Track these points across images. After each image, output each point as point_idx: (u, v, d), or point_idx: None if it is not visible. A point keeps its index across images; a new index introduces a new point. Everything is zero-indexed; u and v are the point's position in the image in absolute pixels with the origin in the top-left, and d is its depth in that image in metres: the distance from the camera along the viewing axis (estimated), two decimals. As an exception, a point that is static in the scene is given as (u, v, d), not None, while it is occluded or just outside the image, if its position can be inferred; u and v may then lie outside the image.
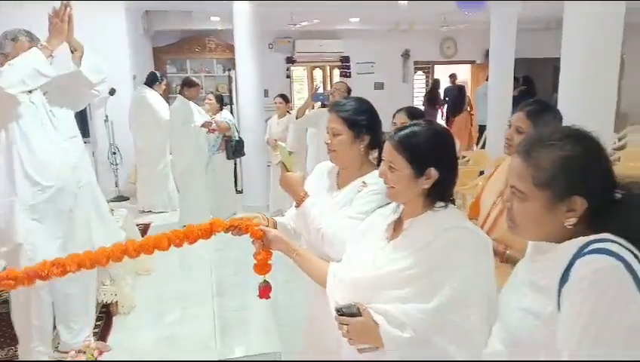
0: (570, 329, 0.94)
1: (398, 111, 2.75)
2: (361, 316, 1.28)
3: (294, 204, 1.74)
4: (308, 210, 1.67)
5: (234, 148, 5.49)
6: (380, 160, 1.73)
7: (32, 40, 2.50)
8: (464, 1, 4.97)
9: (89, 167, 2.86)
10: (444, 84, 10.93)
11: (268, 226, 1.67)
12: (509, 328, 1.10)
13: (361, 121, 1.71)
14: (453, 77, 10.72)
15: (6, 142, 2.47)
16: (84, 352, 2.36)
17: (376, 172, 1.67)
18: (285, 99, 5.67)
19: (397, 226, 1.42)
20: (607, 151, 1.06)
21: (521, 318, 1.05)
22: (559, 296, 0.98)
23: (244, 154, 5.72)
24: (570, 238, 1.03)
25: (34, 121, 2.52)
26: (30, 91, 2.49)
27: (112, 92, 6.18)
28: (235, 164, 6.44)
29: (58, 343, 2.83)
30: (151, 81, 5.94)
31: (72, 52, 2.58)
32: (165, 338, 3.16)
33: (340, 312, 1.31)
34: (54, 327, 2.79)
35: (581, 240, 1.01)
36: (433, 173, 1.32)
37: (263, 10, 6.21)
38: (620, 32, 3.10)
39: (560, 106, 3.29)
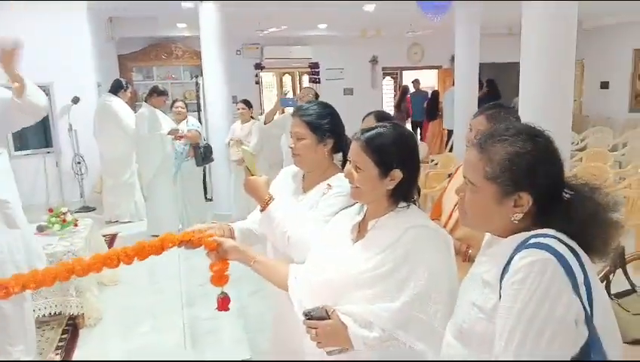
0: (504, 321, 0.97)
1: (367, 115, 2.77)
2: (329, 319, 1.29)
3: (259, 207, 1.73)
4: (273, 213, 1.66)
5: (203, 155, 5.43)
6: (344, 163, 1.76)
7: None
8: (426, 4, 5.06)
9: (12, 185, 2.65)
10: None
11: (224, 236, 1.66)
12: (457, 321, 1.12)
13: (324, 124, 1.72)
14: (416, 83, 10.92)
15: None
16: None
17: (340, 174, 1.70)
18: (248, 104, 5.65)
19: (361, 227, 1.43)
20: (561, 151, 1.08)
21: (468, 311, 1.08)
22: (501, 289, 1.00)
23: (212, 160, 5.67)
24: (516, 233, 1.06)
25: None
26: None
27: (75, 100, 6.07)
28: (205, 172, 6.37)
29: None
30: (116, 89, 5.82)
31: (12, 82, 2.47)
32: (134, 350, 3.09)
33: (309, 316, 1.31)
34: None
35: (523, 235, 1.04)
36: (397, 173, 1.34)
37: (230, 16, 6.19)
38: (574, 33, 3.20)
39: (520, 108, 3.39)
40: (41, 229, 3.47)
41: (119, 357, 3.01)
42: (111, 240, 5.04)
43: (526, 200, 1.04)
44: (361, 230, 1.43)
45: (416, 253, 1.27)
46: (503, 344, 0.96)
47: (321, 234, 1.53)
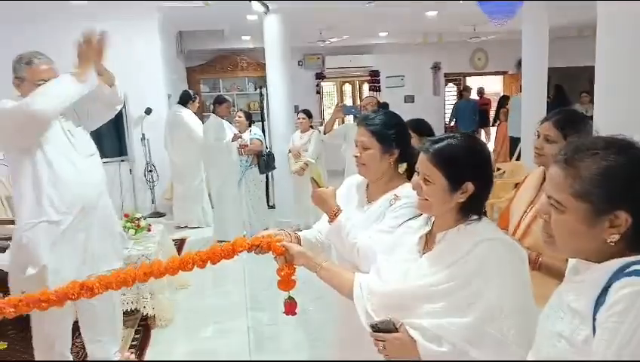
0: (601, 357, 0.87)
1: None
2: (397, 331, 1.27)
3: (327, 218, 1.75)
4: (342, 224, 1.67)
5: (266, 163, 5.59)
6: (409, 173, 1.75)
7: (47, 62, 2.51)
8: (492, 9, 4.92)
9: (105, 185, 2.81)
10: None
11: (291, 242, 1.67)
12: (540, 353, 1.04)
13: (391, 134, 1.71)
14: (465, 91, 10.43)
15: (31, 165, 2.47)
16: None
17: (407, 185, 1.69)
18: (308, 114, 5.78)
19: (429, 239, 1.41)
20: None
21: (554, 344, 0.99)
22: (594, 321, 0.90)
23: (275, 168, 5.83)
24: (611, 258, 0.95)
25: (55, 142, 2.53)
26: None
27: (148, 111, 6.42)
28: (267, 180, 6.53)
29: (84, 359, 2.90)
30: (185, 100, 6.11)
31: (98, 75, 2.61)
32: (201, 352, 3.21)
33: (376, 328, 1.30)
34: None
35: (621, 260, 0.93)
36: (470, 187, 1.30)
37: (292, 27, 6.34)
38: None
39: (596, 116, 3.22)
40: (117, 234, 3.68)
41: (187, 359, 3.12)
42: (180, 244, 5.26)
43: (624, 219, 0.93)
44: (428, 242, 1.40)
45: (488, 267, 1.23)
46: None
47: (386, 244, 1.52)
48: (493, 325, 1.18)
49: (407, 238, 1.46)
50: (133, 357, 2.54)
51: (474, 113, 9.78)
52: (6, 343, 3.21)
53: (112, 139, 6.27)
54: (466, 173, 1.30)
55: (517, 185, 5.40)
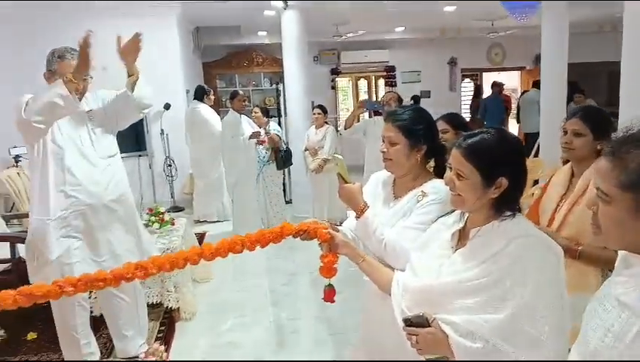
0: None
1: (437, 118, 2.74)
2: (430, 326, 1.28)
3: (354, 214, 1.74)
4: (370, 220, 1.67)
5: (283, 159, 5.62)
6: (437, 169, 1.76)
7: (68, 58, 2.54)
8: (515, 4, 4.88)
9: (126, 185, 2.85)
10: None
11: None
12: (588, 346, 1.03)
13: (419, 130, 1.70)
14: (495, 86, 9.95)
15: (40, 159, 2.51)
16: (153, 354, 2.45)
17: (435, 181, 1.70)
18: (323, 110, 5.80)
19: (462, 235, 1.41)
20: None
21: (601, 337, 0.99)
22: None
23: (292, 164, 5.86)
24: None
25: (71, 139, 2.57)
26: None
27: (167, 107, 6.48)
28: (284, 175, 6.57)
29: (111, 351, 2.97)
30: (200, 95, 6.15)
31: (128, 76, 2.63)
32: (224, 345, 3.25)
33: (408, 323, 1.31)
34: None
35: None
36: (504, 182, 1.30)
37: (309, 23, 6.34)
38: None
39: (621, 111, 3.19)
40: (141, 228, 3.74)
41: (210, 352, 3.16)
42: (200, 238, 5.31)
43: None
44: (461, 238, 1.41)
45: (523, 264, 1.23)
46: None
47: (419, 241, 1.53)
48: (528, 322, 1.19)
49: (441, 234, 1.47)
50: (162, 348, 2.59)
51: (502, 109, 9.50)
52: (36, 333, 3.28)
53: (131, 134, 6.34)
54: (500, 168, 1.30)
55: (536, 183, 5.41)
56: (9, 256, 3.15)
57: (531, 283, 1.21)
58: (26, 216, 4.57)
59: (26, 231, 3.96)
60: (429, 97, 10.50)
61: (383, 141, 1.74)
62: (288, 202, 6.59)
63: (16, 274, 3.09)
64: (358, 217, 1.70)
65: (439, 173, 1.74)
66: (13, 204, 5.12)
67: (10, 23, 5.86)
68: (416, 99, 8.99)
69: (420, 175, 1.73)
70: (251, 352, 3.17)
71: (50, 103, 2.33)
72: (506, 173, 1.30)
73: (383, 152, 1.73)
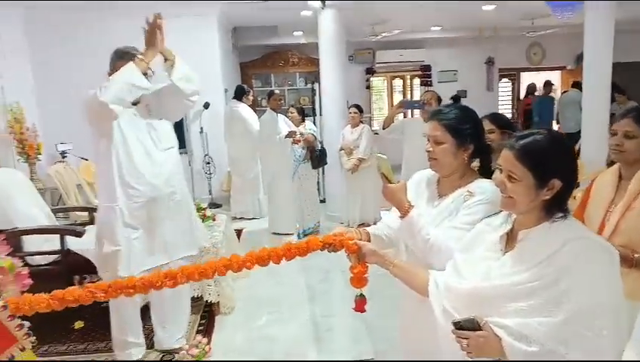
0: None
1: (481, 118, 2.70)
2: (481, 330, 1.27)
3: (394, 213, 1.74)
4: (415, 219, 1.65)
5: (318, 158, 5.66)
6: (482, 169, 1.75)
7: (127, 57, 2.61)
8: (559, 3, 4.77)
9: (182, 178, 2.96)
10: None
11: (362, 240, 1.70)
12: None
13: (466, 129, 1.69)
14: (547, 85, 9.53)
15: (106, 151, 2.62)
16: (197, 347, 2.54)
17: (480, 181, 1.69)
18: (360, 109, 5.82)
19: (510, 237, 1.39)
20: None
21: None
22: None
23: (326, 163, 5.89)
24: None
25: (134, 132, 2.67)
26: (135, 103, 2.65)
27: (206, 105, 6.62)
28: (319, 174, 6.60)
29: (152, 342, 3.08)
30: (240, 94, 6.26)
31: (165, 61, 2.69)
32: (262, 340, 3.31)
33: (458, 326, 1.31)
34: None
35: None
36: (557, 184, 1.29)
37: (345, 23, 6.35)
38: None
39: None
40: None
41: (249, 346, 3.22)
42: (237, 234, 5.40)
43: None
44: (509, 240, 1.39)
45: (578, 267, 1.21)
46: None
47: (464, 242, 1.52)
48: (586, 325, 1.17)
49: (487, 236, 1.46)
50: (205, 340, 2.66)
51: (551, 110, 8.99)
52: (83, 322, 3.42)
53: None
54: (553, 169, 1.29)
55: (577, 186, 5.25)
56: (59, 248, 3.29)
57: (588, 286, 1.19)
58: (73, 209, 4.78)
59: (73, 224, 4.15)
60: (465, 97, 10.36)
61: (428, 140, 1.73)
62: (322, 201, 6.63)
63: (65, 264, 3.23)
64: (402, 217, 1.69)
65: (484, 173, 1.74)
66: (60, 196, 5.34)
67: (57, 26, 6.07)
68: (456, 98, 8.86)
69: (466, 174, 1.72)
70: (288, 347, 3.22)
71: (127, 84, 2.46)
72: (558, 175, 1.29)
73: (429, 151, 1.72)
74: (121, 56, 2.63)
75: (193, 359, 2.48)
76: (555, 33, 9.26)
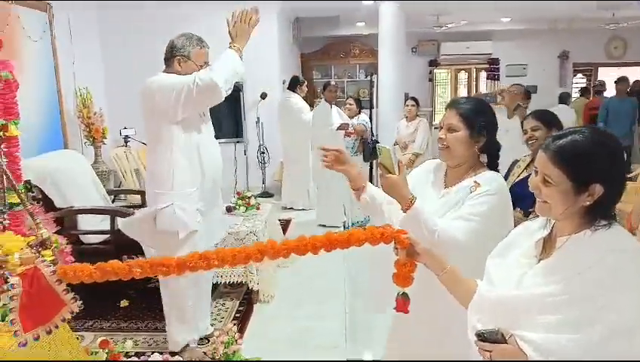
0: None
1: (527, 115, 2.54)
2: (505, 343, 1.19)
3: (401, 207, 1.66)
4: (419, 210, 1.62)
5: (370, 151, 5.57)
6: (490, 164, 1.75)
7: (204, 46, 2.73)
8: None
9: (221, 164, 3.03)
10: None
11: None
12: None
13: (480, 120, 1.70)
14: (621, 82, 7.60)
15: (187, 140, 2.66)
16: (227, 333, 2.55)
17: (488, 173, 1.71)
18: (417, 102, 5.65)
19: (547, 244, 1.28)
20: None
21: None
22: None
23: (378, 156, 5.78)
24: None
25: (198, 120, 2.75)
26: None
27: (263, 96, 6.70)
28: (371, 167, 6.50)
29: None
30: (293, 85, 6.28)
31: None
32: (298, 331, 3.29)
33: (482, 337, 1.22)
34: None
35: None
36: (597, 189, 1.15)
37: (409, 13, 6.18)
38: None
39: None
40: (229, 210, 3.91)
41: (281, 337, 3.20)
42: (285, 225, 5.44)
43: None
44: (546, 247, 1.28)
45: (619, 282, 1.09)
46: None
47: (499, 246, 1.40)
48: (625, 343, 1.06)
49: (523, 241, 1.35)
50: (235, 328, 2.68)
51: (630, 113, 7.15)
52: (128, 301, 3.57)
53: (230, 121, 6.74)
54: (594, 173, 1.15)
55: (640, 189, 4.81)
56: (109, 228, 3.43)
57: (629, 302, 1.07)
58: (131, 192, 4.99)
59: (128, 206, 4.32)
60: (535, 92, 9.82)
61: (442, 128, 1.76)
62: (373, 195, 6.51)
63: (114, 244, 3.39)
64: (405, 210, 1.64)
65: (490, 170, 1.75)
66: (121, 181, 5.60)
67: (126, 14, 6.33)
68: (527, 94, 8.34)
69: (474, 166, 1.74)
70: (325, 341, 3.17)
71: (234, 70, 2.56)
72: (600, 179, 1.15)
73: (441, 138, 1.74)
74: (197, 45, 2.69)
75: (222, 344, 2.49)
76: (639, 25, 8.54)
